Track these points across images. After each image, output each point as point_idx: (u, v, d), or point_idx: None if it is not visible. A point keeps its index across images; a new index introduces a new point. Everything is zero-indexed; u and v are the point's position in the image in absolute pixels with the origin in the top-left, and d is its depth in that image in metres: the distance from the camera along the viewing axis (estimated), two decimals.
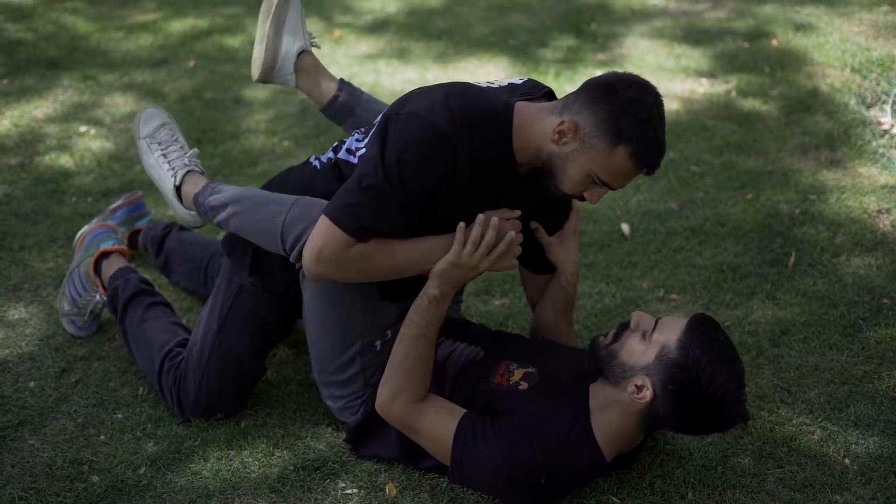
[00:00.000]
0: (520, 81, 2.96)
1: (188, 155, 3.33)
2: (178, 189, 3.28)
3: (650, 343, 2.75)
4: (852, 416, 3.20)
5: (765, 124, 4.99)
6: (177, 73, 5.69)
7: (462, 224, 2.78)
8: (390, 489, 2.97)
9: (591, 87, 2.74)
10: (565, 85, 5.39)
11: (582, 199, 2.82)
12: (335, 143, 3.12)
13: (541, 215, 3.11)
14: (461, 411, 2.88)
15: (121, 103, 5.33)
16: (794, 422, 3.19)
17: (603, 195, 2.82)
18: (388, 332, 3.08)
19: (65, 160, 4.78)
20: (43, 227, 4.27)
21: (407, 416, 2.89)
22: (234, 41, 6.14)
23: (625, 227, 4.20)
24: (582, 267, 3.97)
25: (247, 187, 3.24)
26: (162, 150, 3.32)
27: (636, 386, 2.74)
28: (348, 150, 3.02)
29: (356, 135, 3.05)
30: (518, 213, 2.85)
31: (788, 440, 3.11)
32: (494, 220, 2.77)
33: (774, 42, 5.87)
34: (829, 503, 2.89)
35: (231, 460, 3.10)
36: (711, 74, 5.49)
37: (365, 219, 2.73)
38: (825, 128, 4.92)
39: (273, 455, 3.11)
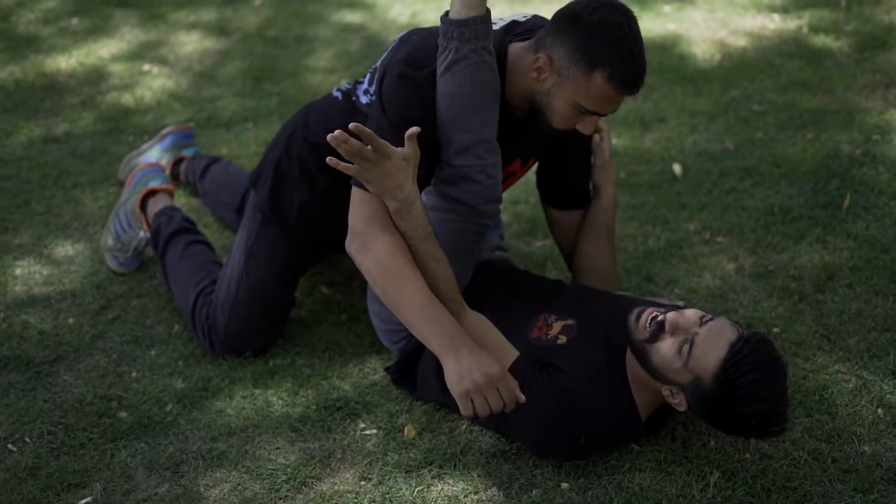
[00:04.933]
0: (523, 18, 2.92)
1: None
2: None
3: (686, 365, 2.61)
4: (891, 364, 3.08)
5: (834, 61, 4.81)
6: (244, 11, 5.70)
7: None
8: (409, 430, 2.95)
9: (558, 17, 2.70)
10: None
11: (576, 132, 2.77)
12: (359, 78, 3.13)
13: (559, 149, 3.08)
14: (515, 353, 2.79)
15: (185, 41, 5.36)
16: (829, 370, 3.08)
17: (595, 123, 2.78)
18: None
19: (126, 99, 4.83)
20: (98, 165, 4.33)
21: (469, 327, 2.74)
22: None
23: (677, 168, 4.09)
24: (629, 208, 3.89)
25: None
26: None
27: (672, 392, 2.67)
28: (365, 91, 3.00)
29: (368, 75, 3.03)
30: (415, 130, 2.61)
31: (821, 388, 3.01)
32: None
33: None
34: (855, 454, 2.79)
35: (256, 399, 3.12)
36: (784, 9, 5.29)
37: None
38: None
39: (297, 394, 3.12)
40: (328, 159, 2.56)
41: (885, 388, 3.00)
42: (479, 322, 2.79)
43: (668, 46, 5.00)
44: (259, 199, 3.21)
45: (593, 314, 2.92)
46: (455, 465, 2.83)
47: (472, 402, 2.59)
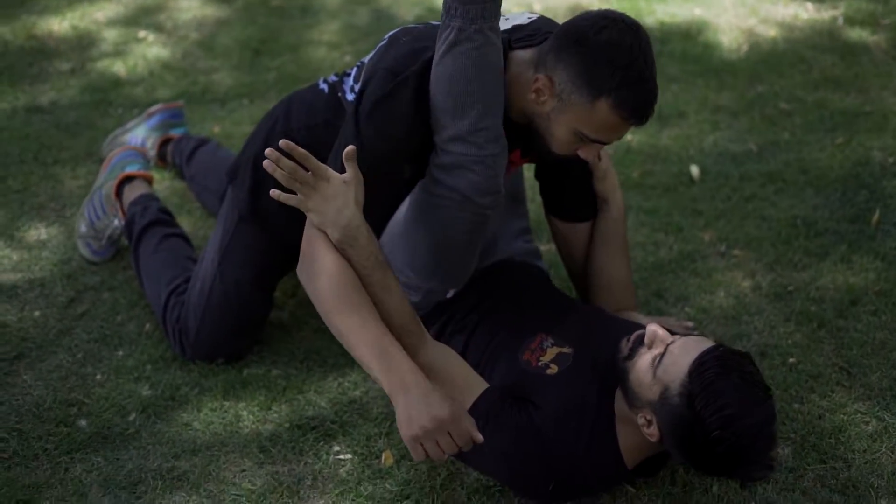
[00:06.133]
0: (528, 20, 2.64)
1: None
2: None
3: (655, 378, 2.35)
4: None
5: (870, 58, 4.50)
6: None
7: None
8: (387, 457, 2.72)
9: (562, 34, 2.43)
10: (645, 18, 4.95)
11: (578, 159, 2.52)
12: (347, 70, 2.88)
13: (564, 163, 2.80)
14: (482, 386, 2.54)
15: (185, 7, 5.09)
16: (847, 409, 2.83)
17: (599, 151, 2.53)
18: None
19: (117, 67, 4.58)
20: (82, 139, 4.09)
21: (430, 361, 2.50)
22: None
23: (694, 170, 3.81)
24: (641, 212, 3.62)
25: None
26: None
27: (646, 419, 2.39)
28: (351, 88, 2.75)
29: (355, 69, 2.78)
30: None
31: (838, 430, 2.76)
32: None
33: None
34: None
35: (225, 412, 2.89)
36: None
37: None
38: None
39: (270, 409, 2.89)
40: (271, 192, 2.36)
41: None
42: (442, 354, 2.54)
43: (693, 34, 4.71)
44: (237, 197, 2.96)
45: (597, 344, 2.63)
46: (433, 501, 2.60)
47: (423, 446, 2.34)
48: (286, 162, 2.33)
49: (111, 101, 4.35)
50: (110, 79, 4.50)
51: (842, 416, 2.81)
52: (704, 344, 2.38)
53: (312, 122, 2.81)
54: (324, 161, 2.48)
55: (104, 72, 4.55)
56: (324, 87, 2.88)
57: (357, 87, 2.69)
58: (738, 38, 4.67)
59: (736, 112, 4.15)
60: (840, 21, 4.76)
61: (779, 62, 4.48)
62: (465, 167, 2.50)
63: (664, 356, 2.37)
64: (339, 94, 2.80)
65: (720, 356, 2.33)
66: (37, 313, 3.23)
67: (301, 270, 2.49)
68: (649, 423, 2.38)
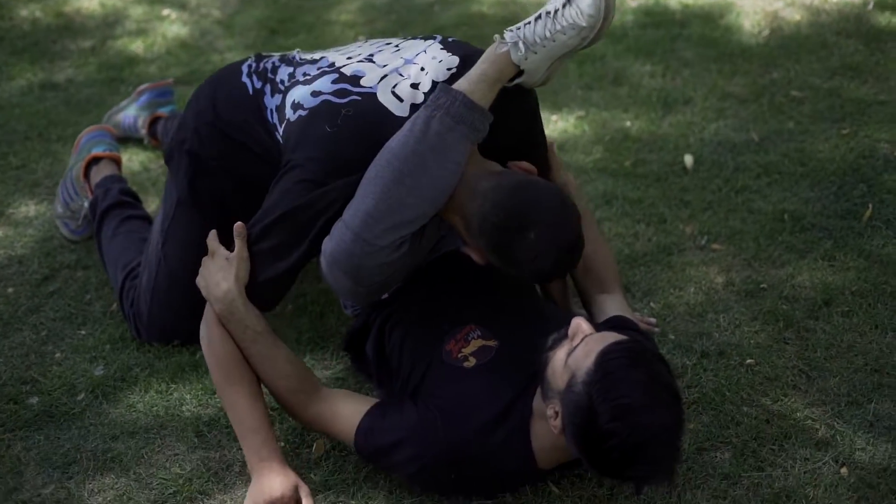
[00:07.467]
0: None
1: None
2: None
3: (566, 366, 2.27)
4: (870, 413, 2.71)
5: None
6: None
7: None
8: (318, 447, 2.72)
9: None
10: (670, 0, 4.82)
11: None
12: (278, 65, 2.83)
13: None
14: (371, 402, 2.58)
15: None
16: (798, 414, 2.72)
17: None
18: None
19: (136, 46, 4.63)
20: (90, 117, 4.14)
21: (318, 411, 2.61)
22: None
23: (688, 159, 3.70)
24: (626, 202, 3.53)
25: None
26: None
27: (554, 411, 2.30)
28: (279, 119, 2.72)
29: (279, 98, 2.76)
30: None
31: (783, 437, 2.66)
32: None
33: None
34: None
35: (170, 395, 2.91)
36: None
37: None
38: None
39: (214, 394, 2.89)
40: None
41: (857, 442, 2.63)
42: (330, 401, 2.63)
43: (715, 16, 4.57)
44: (174, 180, 2.94)
45: (528, 337, 2.56)
46: (353, 495, 2.58)
47: None
48: None
49: (124, 79, 4.40)
50: (128, 57, 4.55)
51: (790, 421, 2.71)
52: (621, 337, 2.31)
53: (240, 118, 2.78)
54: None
55: (123, 50, 4.60)
56: (247, 82, 2.82)
57: (280, 128, 2.68)
58: (761, 22, 4.51)
59: (745, 99, 4.02)
60: (871, 6, 4.57)
61: (798, 47, 4.31)
62: (341, 236, 2.50)
63: (579, 346, 2.30)
64: (264, 114, 2.76)
65: (630, 349, 2.25)
66: (10, 290, 3.29)
67: (201, 335, 2.66)
68: (556, 414, 2.30)
